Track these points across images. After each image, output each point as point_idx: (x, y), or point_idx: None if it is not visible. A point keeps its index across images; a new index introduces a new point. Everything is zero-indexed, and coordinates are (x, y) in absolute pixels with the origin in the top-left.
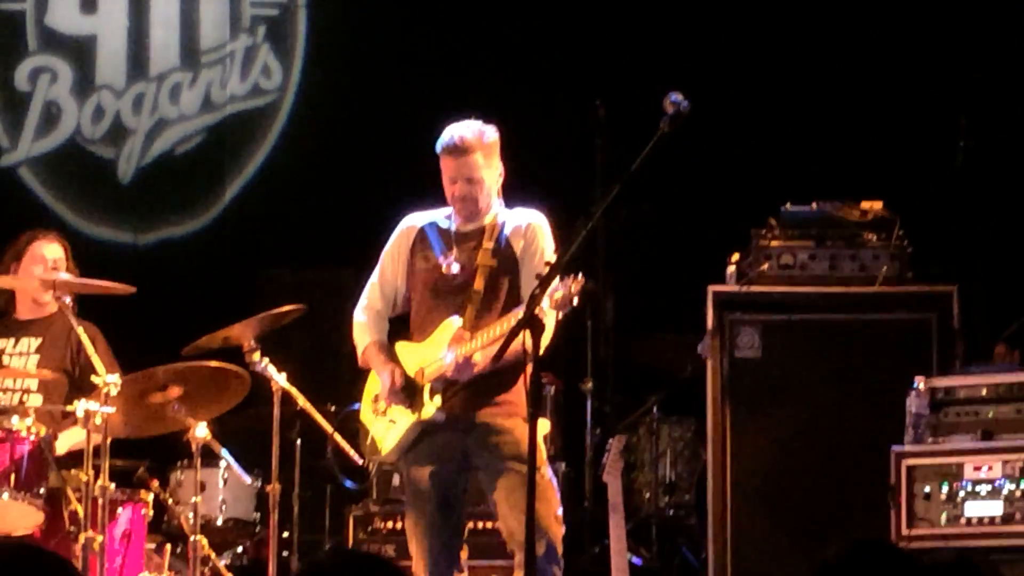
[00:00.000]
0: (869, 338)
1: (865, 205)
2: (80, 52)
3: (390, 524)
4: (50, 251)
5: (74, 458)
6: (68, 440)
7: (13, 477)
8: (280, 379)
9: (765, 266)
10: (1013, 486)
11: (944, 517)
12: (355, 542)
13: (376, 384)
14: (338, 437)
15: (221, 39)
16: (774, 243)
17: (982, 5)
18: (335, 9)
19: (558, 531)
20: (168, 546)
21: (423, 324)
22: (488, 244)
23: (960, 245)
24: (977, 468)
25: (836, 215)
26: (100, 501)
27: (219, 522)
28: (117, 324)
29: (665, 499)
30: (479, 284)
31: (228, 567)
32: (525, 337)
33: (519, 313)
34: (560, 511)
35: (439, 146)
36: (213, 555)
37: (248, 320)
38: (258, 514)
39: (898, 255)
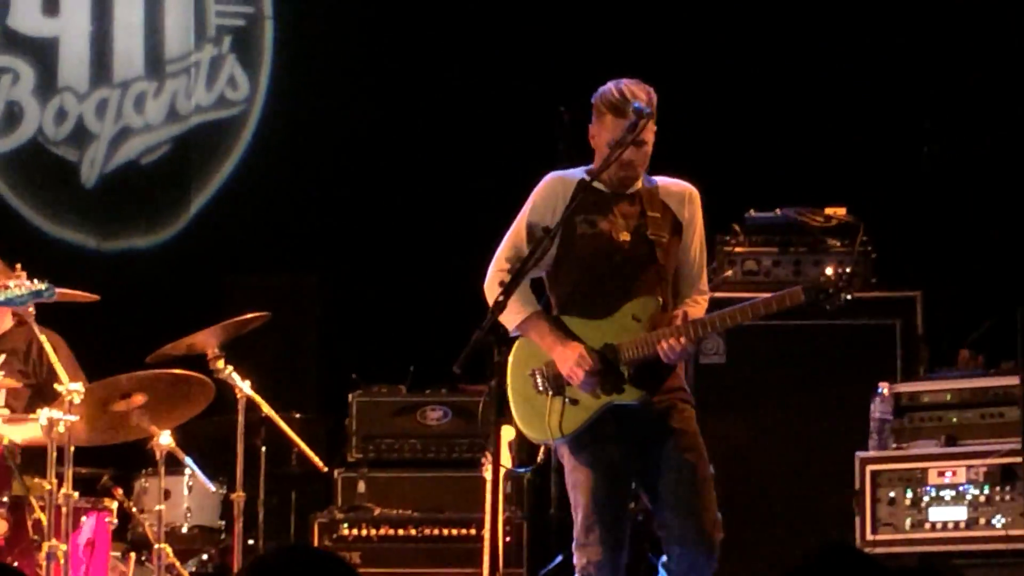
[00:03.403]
0: (833, 344)
1: (829, 211)
2: (42, 54)
3: (355, 531)
4: None
5: (37, 466)
6: (25, 432)
7: None
8: (244, 386)
9: (729, 272)
10: (977, 491)
11: (908, 522)
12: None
13: (532, 358)
14: (302, 444)
15: (186, 48)
16: (738, 249)
17: (945, 10)
18: (302, 20)
19: (718, 536)
20: (133, 554)
21: (593, 296)
22: (653, 212)
23: (924, 250)
24: (941, 473)
25: (800, 221)
26: (64, 510)
27: (184, 530)
28: (80, 331)
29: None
30: (658, 257)
31: (193, 575)
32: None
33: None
34: (719, 514)
35: (604, 104)
36: (178, 563)
37: (212, 327)
38: (223, 522)
39: (862, 260)
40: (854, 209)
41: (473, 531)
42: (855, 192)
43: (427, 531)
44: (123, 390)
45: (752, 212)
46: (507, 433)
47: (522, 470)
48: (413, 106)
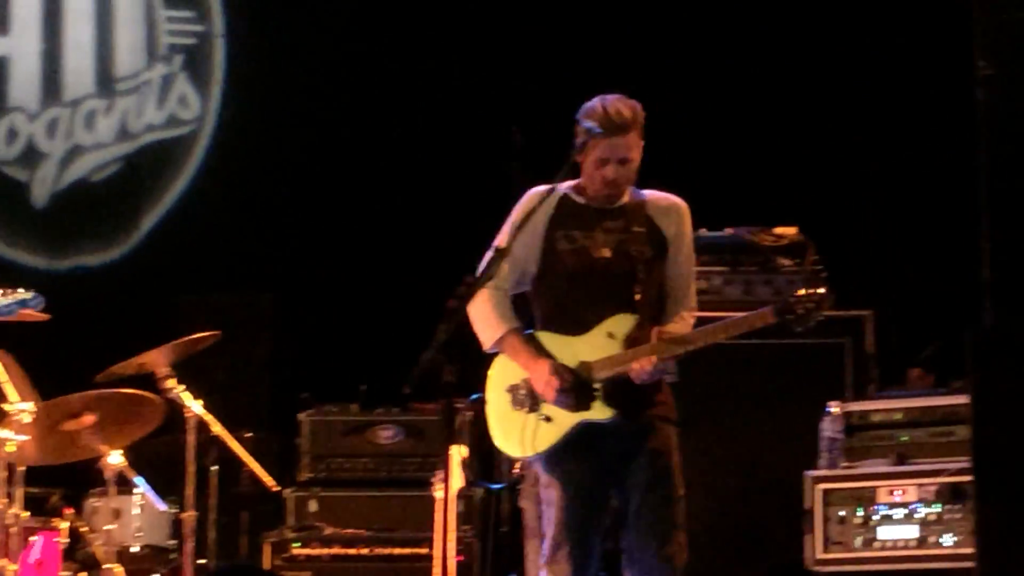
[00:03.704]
0: (784, 363)
1: (779, 230)
2: None
3: (307, 550)
4: None
5: None
6: None
7: None
8: (195, 406)
9: None
10: (927, 510)
11: (859, 541)
12: (272, 568)
13: (511, 374)
14: (253, 463)
15: (137, 67)
16: None
17: (895, 26)
18: (253, 38)
19: (679, 562)
20: (83, 574)
21: (571, 314)
22: (637, 227)
23: (874, 270)
24: (891, 492)
25: (750, 240)
26: (14, 529)
27: (134, 550)
28: (31, 350)
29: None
30: (639, 274)
31: None
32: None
33: (738, 320)
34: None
35: (589, 122)
36: None
37: (163, 347)
38: (174, 541)
39: (812, 280)
40: (804, 228)
41: (424, 550)
42: (805, 212)
43: (378, 550)
44: (73, 410)
45: (702, 231)
46: (458, 452)
47: (495, 487)
48: (365, 125)
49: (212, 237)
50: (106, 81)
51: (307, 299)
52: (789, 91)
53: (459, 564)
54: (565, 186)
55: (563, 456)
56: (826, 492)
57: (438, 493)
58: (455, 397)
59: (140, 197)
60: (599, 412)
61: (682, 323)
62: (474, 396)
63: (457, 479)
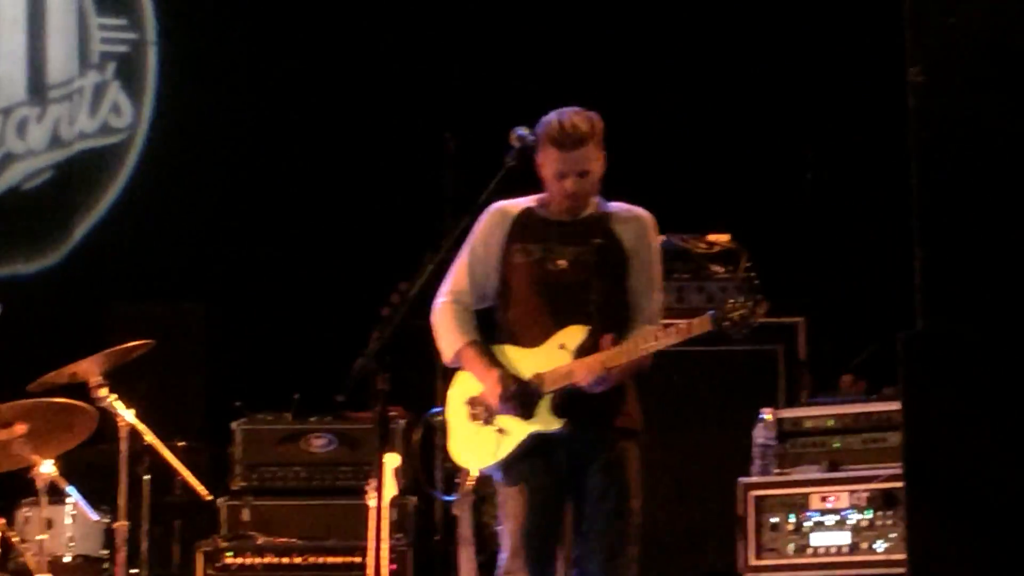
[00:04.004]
0: (716, 369)
1: (712, 237)
2: None
3: (240, 559)
4: None
5: None
6: None
7: None
8: (127, 415)
9: None
10: (859, 516)
11: (791, 547)
12: None
13: (468, 387)
14: (185, 472)
15: (69, 74)
16: None
17: (828, 34)
18: (186, 46)
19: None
20: None
21: (529, 325)
22: (596, 239)
23: (806, 277)
24: (824, 499)
25: (683, 247)
26: None
27: (67, 560)
28: None
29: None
30: (595, 285)
31: None
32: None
33: (675, 328)
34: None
35: (545, 135)
36: None
37: (95, 355)
38: (106, 551)
39: (744, 287)
40: (737, 236)
41: (358, 559)
42: (737, 219)
43: (312, 559)
44: (4, 419)
45: None
46: (391, 460)
47: (448, 498)
48: (299, 133)
49: (144, 245)
50: (38, 89)
51: (240, 308)
52: (721, 97)
53: (392, 573)
54: (528, 200)
55: (518, 467)
56: (759, 499)
57: (371, 502)
58: (388, 405)
59: (72, 205)
60: (548, 423)
61: (641, 334)
62: (434, 409)
63: (390, 487)
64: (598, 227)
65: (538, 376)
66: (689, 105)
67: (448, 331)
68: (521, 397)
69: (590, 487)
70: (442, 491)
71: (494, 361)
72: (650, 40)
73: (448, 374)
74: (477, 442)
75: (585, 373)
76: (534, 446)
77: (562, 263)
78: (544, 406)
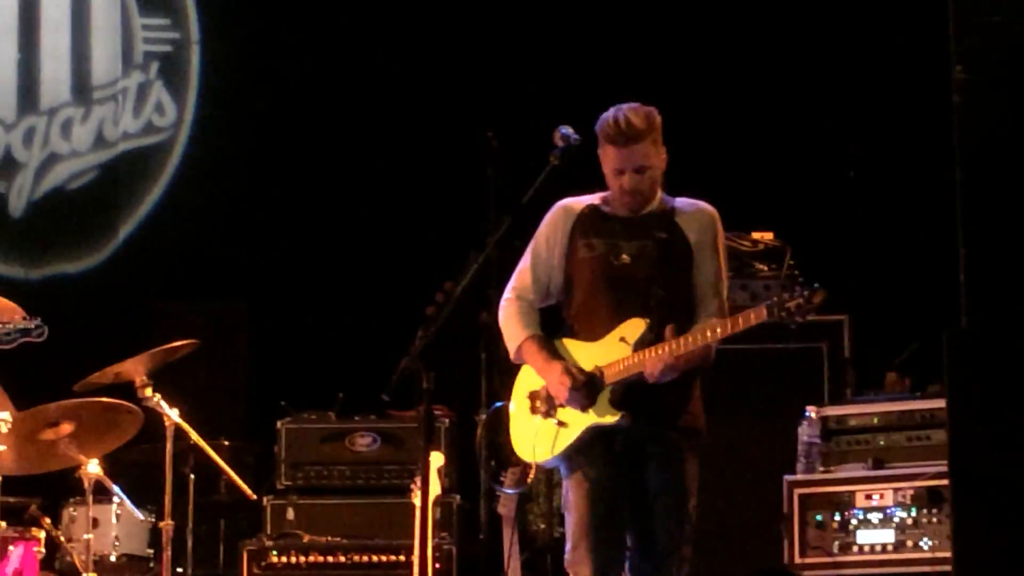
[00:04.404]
0: (761, 367)
1: (756, 235)
2: None
3: (284, 558)
4: None
5: None
6: None
7: None
8: (172, 414)
9: None
10: (904, 514)
11: (836, 545)
12: None
13: (531, 382)
14: (231, 472)
15: (113, 75)
16: None
17: (872, 31)
18: (229, 45)
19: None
20: None
21: (592, 319)
22: (660, 233)
23: (851, 274)
24: (868, 496)
25: (727, 245)
26: None
27: (112, 559)
28: (7, 359)
29: (560, 530)
30: (658, 279)
31: None
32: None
33: (732, 320)
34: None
35: (601, 133)
36: None
37: (140, 355)
38: (152, 550)
39: (789, 285)
40: (781, 233)
41: (402, 557)
42: (781, 216)
43: (356, 558)
44: (51, 419)
45: None
46: (436, 459)
47: (511, 491)
48: (342, 131)
49: (188, 244)
50: (82, 89)
51: (284, 306)
52: (764, 94)
53: (437, 571)
54: (593, 197)
55: (578, 459)
56: (803, 497)
57: (416, 500)
58: (433, 404)
59: (116, 205)
60: (608, 415)
61: (701, 326)
62: (497, 404)
63: (435, 486)
64: (662, 222)
65: (598, 369)
66: (733, 102)
67: (511, 327)
68: (582, 389)
69: (647, 484)
70: (484, 489)
71: (555, 354)
72: (693, 37)
73: (494, 372)
74: (538, 435)
75: (645, 365)
76: (593, 438)
77: (626, 258)
78: (604, 399)
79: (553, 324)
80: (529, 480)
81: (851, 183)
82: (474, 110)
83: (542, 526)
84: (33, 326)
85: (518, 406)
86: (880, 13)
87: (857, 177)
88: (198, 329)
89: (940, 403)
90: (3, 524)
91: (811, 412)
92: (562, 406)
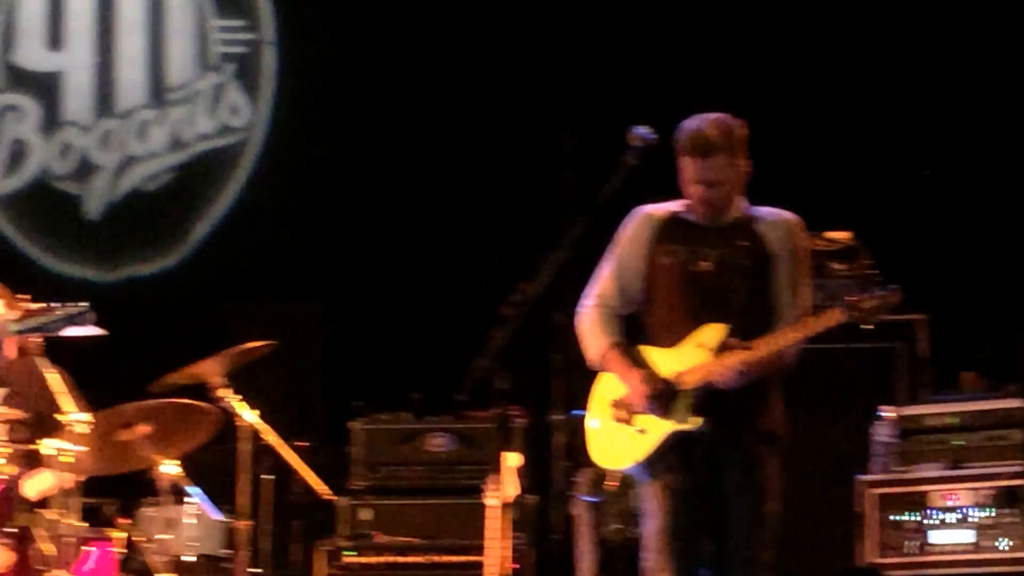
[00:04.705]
0: (837, 366)
1: (831, 235)
2: (46, 89)
3: (360, 559)
4: None
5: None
6: (37, 485)
7: None
8: (249, 415)
9: None
10: (981, 514)
11: (912, 546)
12: None
13: (611, 389)
14: (306, 472)
15: (189, 76)
16: None
17: (947, 30)
18: (303, 46)
19: None
20: None
21: (671, 326)
22: (741, 242)
23: (927, 273)
24: (945, 496)
25: None
26: (69, 540)
27: (189, 559)
28: (85, 362)
29: (634, 531)
30: (738, 286)
31: None
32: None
33: (808, 322)
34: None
35: (678, 142)
36: None
37: (217, 356)
38: (228, 551)
39: (865, 284)
40: (858, 232)
41: (477, 558)
42: (858, 215)
43: (431, 558)
44: (128, 420)
45: None
46: (514, 459)
47: (591, 499)
48: (416, 131)
49: (262, 245)
50: (158, 91)
51: (359, 307)
52: (840, 93)
53: (513, 572)
54: (675, 204)
55: (657, 466)
56: (879, 497)
57: (491, 501)
58: (509, 404)
59: (192, 206)
60: (687, 421)
61: (777, 331)
62: (574, 412)
63: (511, 487)
64: (743, 230)
65: (677, 375)
66: (808, 103)
67: (592, 334)
68: (661, 396)
69: (728, 488)
70: (561, 491)
71: (637, 361)
72: (771, 37)
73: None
74: (618, 443)
75: (721, 370)
76: (673, 445)
77: (706, 264)
78: (683, 405)
79: (634, 331)
80: (608, 487)
81: (928, 181)
82: (550, 111)
83: (616, 527)
84: (78, 310)
85: (598, 414)
86: (955, 11)
87: (934, 175)
88: (272, 330)
89: (1017, 402)
90: (82, 524)
91: (887, 412)
92: (642, 413)
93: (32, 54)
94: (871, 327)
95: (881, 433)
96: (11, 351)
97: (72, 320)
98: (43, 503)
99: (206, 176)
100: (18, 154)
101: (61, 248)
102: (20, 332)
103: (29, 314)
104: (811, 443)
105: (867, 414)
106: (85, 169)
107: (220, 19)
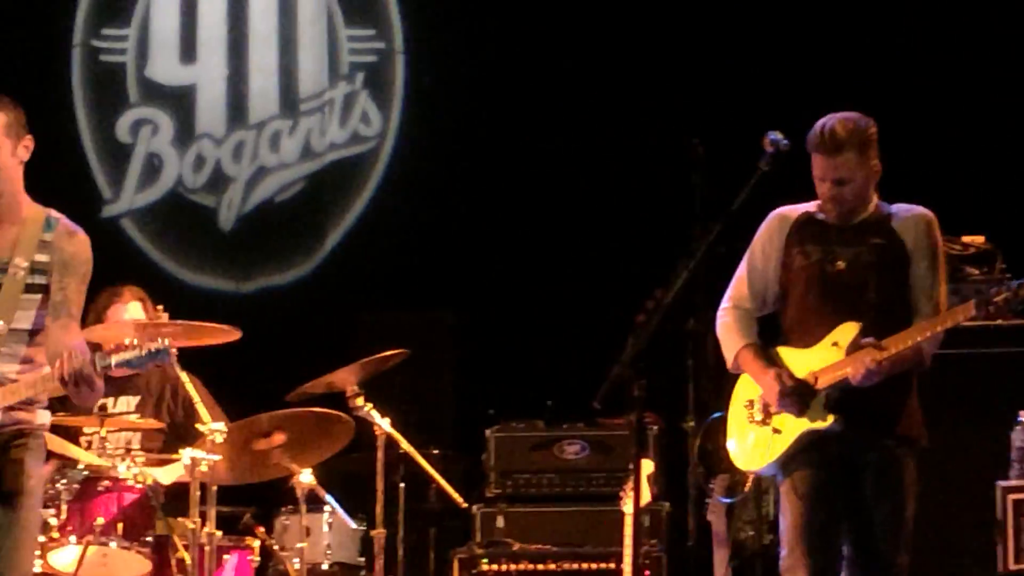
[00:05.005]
0: (973, 372)
1: (966, 239)
2: (180, 102)
3: (495, 566)
4: (130, 312)
5: (180, 505)
6: (172, 473)
7: (121, 525)
8: (383, 423)
9: None
10: None
11: None
12: None
13: (748, 390)
14: (441, 480)
15: (320, 86)
16: None
17: None
18: (433, 54)
19: None
20: None
21: (806, 326)
22: (875, 239)
23: None
24: None
25: None
26: (207, 548)
27: (324, 567)
28: (220, 372)
29: (770, 536)
30: (872, 284)
31: None
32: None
33: (939, 318)
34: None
35: (808, 140)
36: None
37: (351, 365)
38: (363, 559)
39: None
40: (992, 237)
41: (612, 565)
42: (993, 219)
43: (566, 565)
44: (264, 429)
45: None
46: (646, 466)
47: (726, 500)
48: (546, 139)
49: (394, 253)
50: (290, 102)
51: (491, 315)
52: (978, 98)
53: None
54: (809, 204)
55: (793, 465)
56: (1018, 503)
57: (626, 508)
58: (645, 412)
59: (324, 215)
60: (821, 420)
61: (911, 328)
62: (715, 415)
63: (645, 493)
64: (878, 228)
65: (812, 374)
66: (941, 105)
67: (729, 337)
68: (796, 395)
69: (863, 490)
70: (693, 496)
71: (771, 362)
72: (904, 40)
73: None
74: (753, 443)
75: (855, 368)
76: (807, 444)
77: (841, 264)
78: (817, 404)
79: (771, 333)
80: (745, 489)
81: None
82: (680, 116)
83: (751, 533)
84: (162, 347)
85: (735, 415)
86: None
87: None
88: (405, 339)
89: None
90: (218, 533)
91: None
92: (777, 413)
93: (166, 68)
94: (1006, 314)
95: (1019, 438)
96: None
97: (154, 357)
98: (181, 510)
99: (338, 185)
100: (153, 167)
101: (195, 260)
102: (105, 367)
103: (118, 349)
104: (949, 449)
105: (1006, 419)
106: (218, 181)
107: (350, 28)
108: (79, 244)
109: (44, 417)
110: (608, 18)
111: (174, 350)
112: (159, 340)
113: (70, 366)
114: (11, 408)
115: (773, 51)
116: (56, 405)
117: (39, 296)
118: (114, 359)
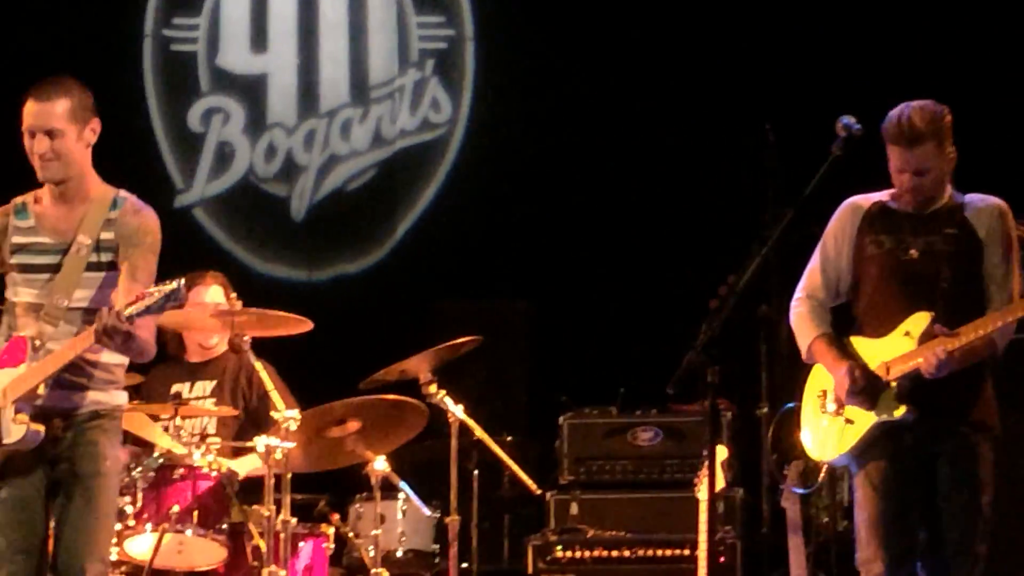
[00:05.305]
0: None
1: None
2: (251, 91)
3: (569, 553)
4: (210, 295)
5: (255, 493)
6: (247, 464)
7: (196, 513)
8: (457, 410)
9: None
10: None
11: None
12: (534, 572)
13: (822, 380)
14: (515, 467)
15: (390, 74)
16: None
17: None
18: (503, 41)
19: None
20: None
21: (879, 316)
22: (949, 229)
23: None
24: None
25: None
26: (282, 535)
27: (399, 554)
28: (294, 360)
29: (844, 523)
30: (945, 274)
31: None
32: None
33: (1012, 307)
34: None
35: (885, 131)
36: None
37: (424, 352)
38: (437, 546)
39: None
40: None
41: (686, 552)
42: None
43: (640, 552)
44: (338, 416)
45: None
46: (720, 452)
47: (801, 491)
48: (617, 126)
49: (465, 241)
50: (360, 90)
51: (564, 302)
52: None
53: (720, 565)
54: (882, 193)
55: (866, 456)
56: None
57: (700, 494)
58: (718, 398)
59: (395, 203)
60: (893, 411)
61: (984, 317)
62: (788, 405)
63: (719, 480)
64: (951, 217)
65: (883, 365)
66: (1015, 91)
67: (802, 327)
68: (867, 387)
69: (939, 479)
70: (768, 483)
71: (844, 353)
72: (976, 26)
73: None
74: (826, 433)
75: (926, 358)
76: (881, 435)
77: (914, 253)
78: (889, 394)
79: (845, 322)
80: (820, 479)
81: None
82: (752, 103)
83: (825, 519)
84: (174, 286)
85: (809, 405)
86: None
87: None
88: (477, 326)
89: None
90: (293, 520)
91: None
92: (849, 404)
93: (237, 57)
94: None
95: None
96: (220, 346)
97: (168, 298)
98: (256, 498)
99: (408, 172)
100: (225, 156)
101: (267, 248)
102: (130, 317)
103: (136, 300)
104: (1021, 439)
105: None
106: (290, 169)
107: (420, 15)
108: (144, 218)
109: (121, 398)
110: (681, 3)
111: (184, 287)
112: (171, 281)
113: (99, 323)
114: (87, 388)
115: (846, 35)
116: (131, 394)
117: (101, 274)
118: (133, 308)
